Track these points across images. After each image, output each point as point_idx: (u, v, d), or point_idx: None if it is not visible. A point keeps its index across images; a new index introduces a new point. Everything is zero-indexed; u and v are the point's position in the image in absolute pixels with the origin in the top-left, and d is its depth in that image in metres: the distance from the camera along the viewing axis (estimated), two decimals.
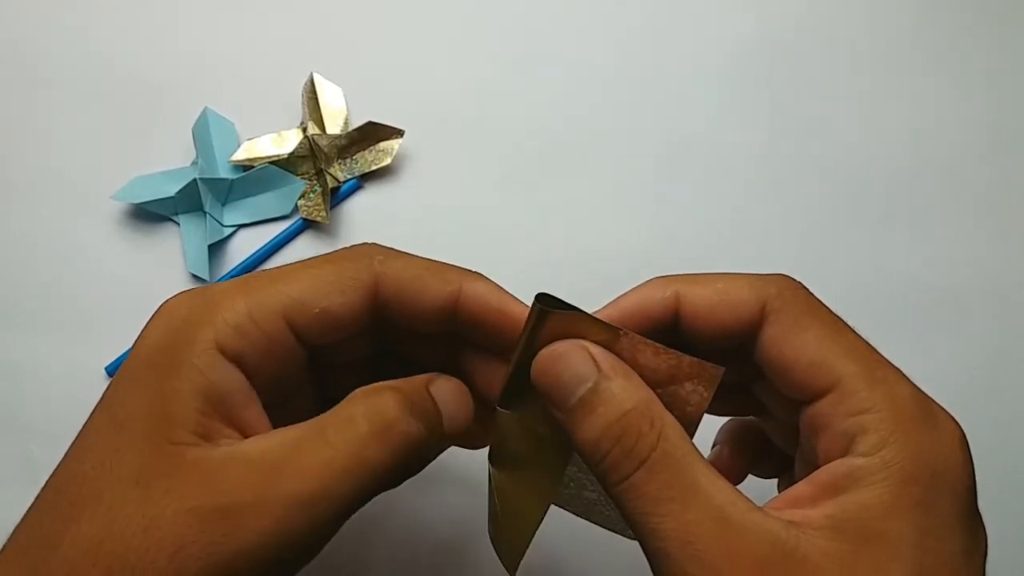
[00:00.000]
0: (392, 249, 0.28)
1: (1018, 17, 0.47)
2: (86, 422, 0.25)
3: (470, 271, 0.28)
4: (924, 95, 0.46)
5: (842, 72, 0.47)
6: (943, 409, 0.25)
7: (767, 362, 0.26)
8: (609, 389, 0.24)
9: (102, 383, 0.41)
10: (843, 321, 0.26)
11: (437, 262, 0.28)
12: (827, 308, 0.26)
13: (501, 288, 0.27)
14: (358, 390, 0.25)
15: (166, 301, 0.26)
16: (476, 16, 0.47)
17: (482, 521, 0.30)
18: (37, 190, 0.44)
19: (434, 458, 0.27)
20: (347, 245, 0.28)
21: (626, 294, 0.27)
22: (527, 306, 0.26)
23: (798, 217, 0.44)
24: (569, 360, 0.25)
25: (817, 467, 0.25)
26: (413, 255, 0.28)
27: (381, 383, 0.26)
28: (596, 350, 0.25)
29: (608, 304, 0.27)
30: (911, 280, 0.44)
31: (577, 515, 0.31)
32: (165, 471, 0.23)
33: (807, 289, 0.26)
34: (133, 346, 0.25)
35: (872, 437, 0.24)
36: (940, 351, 0.42)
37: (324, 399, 0.30)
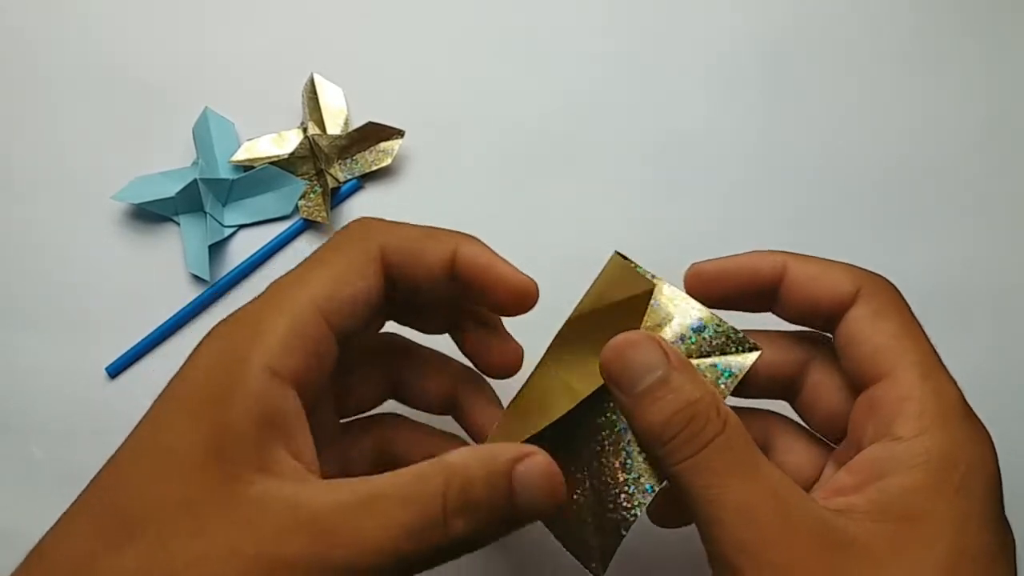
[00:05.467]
0: (386, 220, 0.29)
1: (1015, 17, 0.47)
2: (127, 445, 0.24)
3: (464, 234, 0.29)
4: (921, 93, 0.46)
5: (839, 71, 0.47)
6: (981, 421, 0.26)
7: (846, 336, 0.28)
8: (678, 379, 0.26)
9: (102, 383, 0.41)
10: (921, 327, 0.27)
11: (432, 228, 0.29)
12: (911, 311, 0.28)
13: (492, 250, 0.29)
14: (430, 460, 0.24)
15: (210, 332, 0.26)
16: (476, 17, 0.47)
17: None
18: (38, 190, 0.44)
19: (503, 536, 0.24)
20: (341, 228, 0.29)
21: (737, 255, 0.29)
22: (514, 267, 0.29)
23: (794, 216, 0.44)
24: (641, 348, 0.26)
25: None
26: (408, 224, 0.29)
27: (463, 450, 0.24)
28: (666, 344, 0.26)
29: (719, 259, 0.29)
30: (907, 279, 0.43)
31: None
32: (220, 505, 0.22)
33: (900, 293, 0.28)
34: (179, 374, 0.25)
35: (914, 423, 0.25)
36: (938, 350, 0.42)
37: (341, 409, 0.31)
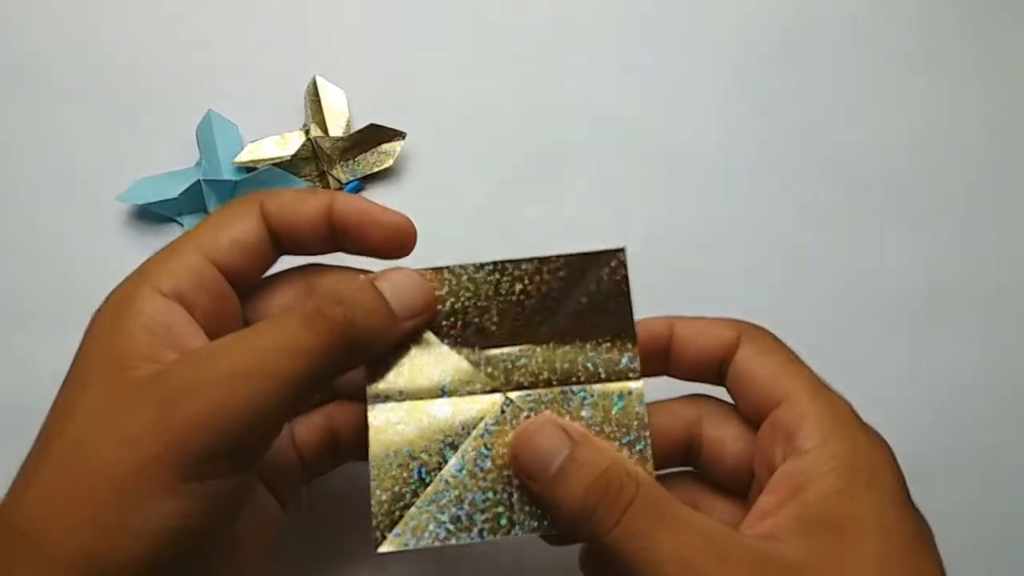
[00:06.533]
0: (271, 189, 0.31)
1: (1015, 17, 0.48)
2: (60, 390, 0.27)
3: (345, 194, 0.31)
4: (921, 93, 0.46)
5: (839, 71, 0.47)
6: (871, 427, 0.28)
7: (736, 377, 0.30)
8: (584, 453, 0.27)
9: None
10: (799, 357, 0.30)
11: (314, 188, 0.31)
12: (788, 347, 0.30)
13: (372, 201, 0.30)
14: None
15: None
16: (478, 19, 0.47)
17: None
18: (41, 191, 0.44)
19: (391, 343, 0.29)
20: None
21: None
22: (387, 208, 0.30)
23: (793, 217, 0.44)
24: (542, 433, 0.27)
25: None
26: (292, 188, 0.31)
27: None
28: (565, 423, 0.28)
29: None
30: (906, 279, 0.44)
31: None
32: (121, 390, 0.25)
33: (774, 334, 0.30)
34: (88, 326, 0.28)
35: (816, 435, 0.27)
36: (938, 350, 0.42)
37: None
